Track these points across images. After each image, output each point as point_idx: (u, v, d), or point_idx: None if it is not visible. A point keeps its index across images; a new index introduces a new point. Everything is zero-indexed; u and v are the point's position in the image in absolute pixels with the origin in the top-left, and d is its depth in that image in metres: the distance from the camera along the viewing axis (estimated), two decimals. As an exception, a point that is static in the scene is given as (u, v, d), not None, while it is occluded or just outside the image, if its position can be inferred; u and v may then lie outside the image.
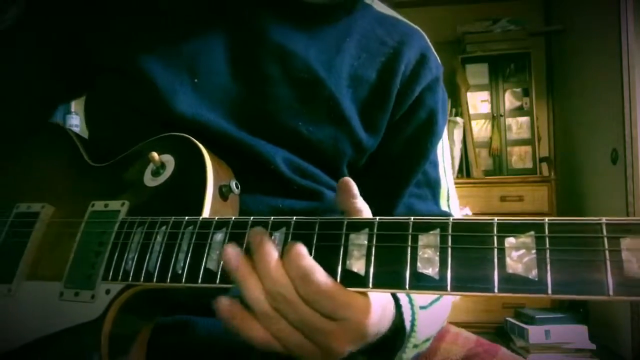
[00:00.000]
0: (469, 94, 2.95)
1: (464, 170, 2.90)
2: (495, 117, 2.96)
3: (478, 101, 2.99)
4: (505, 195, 2.73)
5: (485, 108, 2.98)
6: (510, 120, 2.96)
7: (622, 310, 2.31)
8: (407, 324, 0.53)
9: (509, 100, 2.97)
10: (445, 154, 0.77)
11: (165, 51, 0.64)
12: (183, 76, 0.63)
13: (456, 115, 2.95)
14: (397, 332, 0.52)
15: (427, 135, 0.71)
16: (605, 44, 2.43)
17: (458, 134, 2.89)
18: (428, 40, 0.75)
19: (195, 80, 0.63)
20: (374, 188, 0.71)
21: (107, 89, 0.68)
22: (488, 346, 0.64)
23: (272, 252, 0.42)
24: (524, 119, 2.95)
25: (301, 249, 0.42)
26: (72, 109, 2.61)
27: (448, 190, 0.75)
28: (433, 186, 0.73)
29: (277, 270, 0.42)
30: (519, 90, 2.97)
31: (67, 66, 0.71)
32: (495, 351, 0.63)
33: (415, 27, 0.76)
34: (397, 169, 0.71)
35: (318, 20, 0.69)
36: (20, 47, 0.71)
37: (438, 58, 0.76)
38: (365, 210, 0.46)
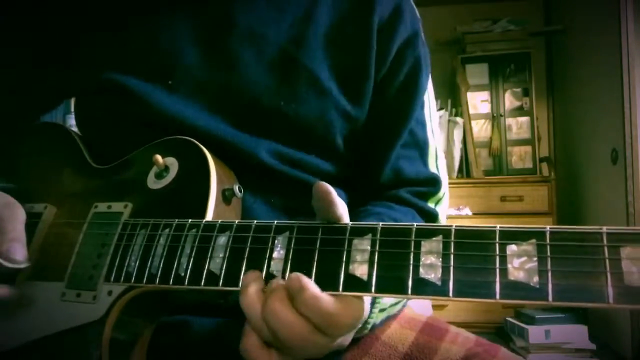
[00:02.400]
0: (469, 94, 2.95)
1: (464, 170, 2.90)
2: (495, 117, 2.96)
3: (478, 101, 2.99)
4: (505, 195, 2.73)
5: (485, 108, 2.98)
6: (510, 120, 2.95)
7: (622, 311, 2.31)
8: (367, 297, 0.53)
9: (509, 100, 2.97)
10: (433, 113, 0.75)
11: (136, 60, 0.64)
12: (155, 81, 0.62)
13: (456, 115, 2.95)
14: None
15: (409, 93, 0.70)
16: (605, 44, 2.43)
17: (458, 134, 2.89)
18: None
19: (170, 82, 0.63)
20: (362, 154, 0.70)
21: (90, 105, 0.68)
22: (488, 346, 0.64)
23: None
24: (524, 119, 2.95)
25: (315, 290, 0.40)
26: (72, 109, 2.61)
27: (436, 150, 0.73)
28: (421, 146, 0.72)
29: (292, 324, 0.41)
30: (519, 90, 2.97)
31: (38, 83, 0.72)
32: (495, 351, 0.63)
33: None
34: (382, 131, 0.70)
35: None
36: None
37: (416, 9, 0.73)
38: (345, 216, 0.45)
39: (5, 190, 0.59)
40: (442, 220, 0.72)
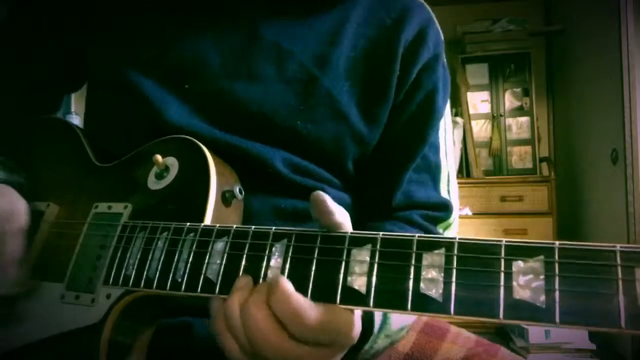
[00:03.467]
0: (469, 94, 2.94)
1: (464, 170, 2.90)
2: (495, 117, 2.95)
3: (478, 101, 2.98)
4: (505, 195, 2.73)
5: (485, 108, 2.97)
6: (510, 120, 2.95)
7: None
8: (377, 319, 0.52)
9: (509, 100, 2.97)
10: (448, 135, 0.74)
11: (152, 61, 0.63)
12: (172, 84, 0.62)
13: (456, 115, 2.94)
14: (368, 324, 0.52)
15: (425, 118, 0.69)
16: (605, 44, 2.42)
17: (458, 134, 2.89)
18: (430, 12, 0.71)
19: (186, 86, 0.62)
20: (373, 176, 0.70)
21: (101, 100, 0.68)
22: (488, 346, 0.64)
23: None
24: (524, 119, 2.94)
25: (287, 287, 0.40)
26: (72, 109, 2.61)
27: (448, 174, 0.72)
28: (433, 171, 0.71)
29: (262, 320, 0.40)
30: (519, 90, 2.96)
31: (56, 74, 0.72)
32: (495, 351, 0.63)
33: (419, 0, 0.72)
34: (396, 154, 0.69)
35: (314, 7, 0.66)
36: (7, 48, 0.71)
37: (440, 31, 0.72)
38: (346, 224, 0.44)
39: (17, 184, 0.58)
40: None
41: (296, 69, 0.64)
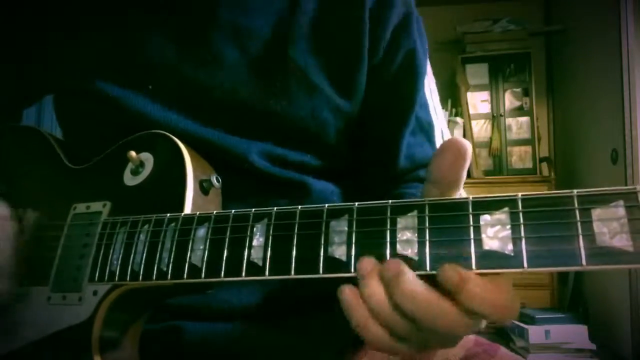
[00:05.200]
0: (469, 94, 2.94)
1: (464, 170, 2.89)
2: (495, 117, 2.95)
3: (478, 101, 2.98)
4: (505, 196, 2.72)
5: (485, 108, 2.97)
6: (510, 120, 2.95)
7: (622, 310, 2.30)
8: None
9: (509, 100, 2.97)
10: (433, 91, 0.73)
11: (114, 67, 0.62)
12: (135, 87, 0.61)
13: (456, 115, 2.94)
14: None
15: (409, 79, 0.68)
16: (605, 44, 2.42)
17: (458, 134, 2.88)
18: None
19: (150, 86, 0.61)
20: (372, 148, 0.69)
21: (65, 104, 0.67)
22: (487, 346, 0.64)
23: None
24: (524, 119, 2.94)
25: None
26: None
27: (442, 130, 0.72)
28: (427, 130, 0.70)
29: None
30: (519, 90, 2.96)
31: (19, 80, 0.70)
32: (494, 351, 0.63)
33: None
34: (389, 122, 0.68)
35: None
36: None
37: None
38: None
39: None
40: None
41: (259, 47, 0.62)
